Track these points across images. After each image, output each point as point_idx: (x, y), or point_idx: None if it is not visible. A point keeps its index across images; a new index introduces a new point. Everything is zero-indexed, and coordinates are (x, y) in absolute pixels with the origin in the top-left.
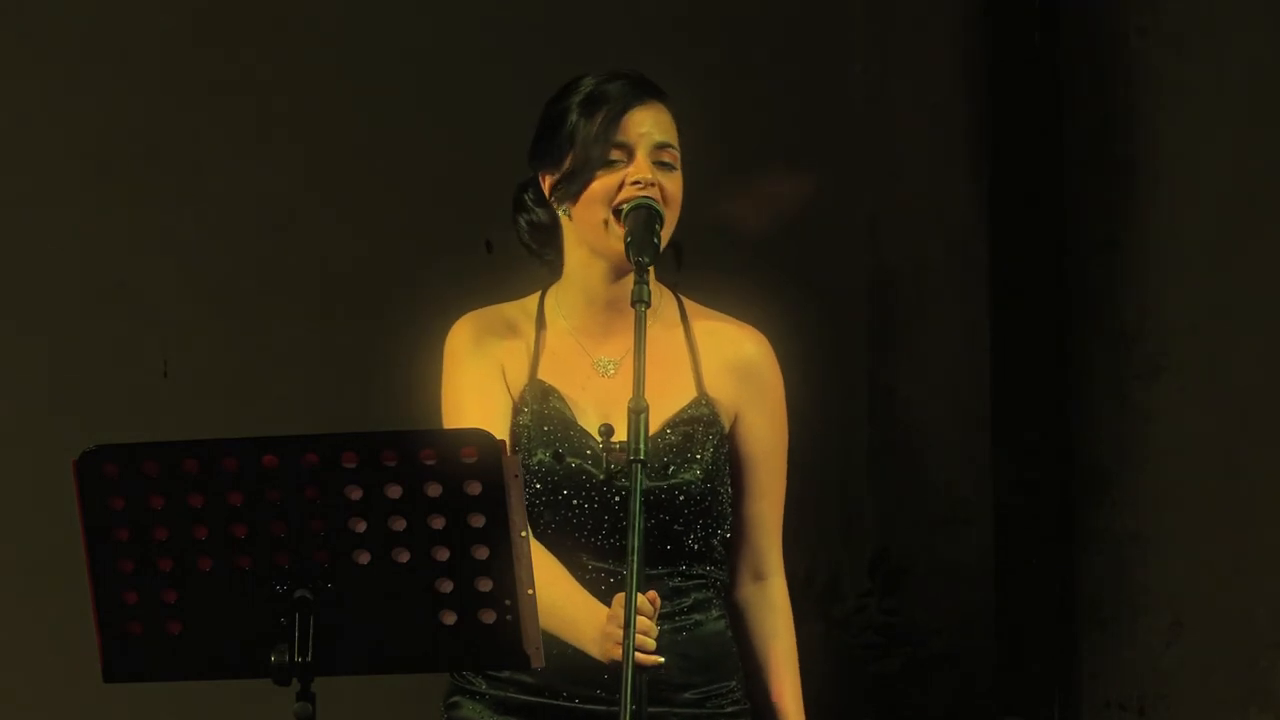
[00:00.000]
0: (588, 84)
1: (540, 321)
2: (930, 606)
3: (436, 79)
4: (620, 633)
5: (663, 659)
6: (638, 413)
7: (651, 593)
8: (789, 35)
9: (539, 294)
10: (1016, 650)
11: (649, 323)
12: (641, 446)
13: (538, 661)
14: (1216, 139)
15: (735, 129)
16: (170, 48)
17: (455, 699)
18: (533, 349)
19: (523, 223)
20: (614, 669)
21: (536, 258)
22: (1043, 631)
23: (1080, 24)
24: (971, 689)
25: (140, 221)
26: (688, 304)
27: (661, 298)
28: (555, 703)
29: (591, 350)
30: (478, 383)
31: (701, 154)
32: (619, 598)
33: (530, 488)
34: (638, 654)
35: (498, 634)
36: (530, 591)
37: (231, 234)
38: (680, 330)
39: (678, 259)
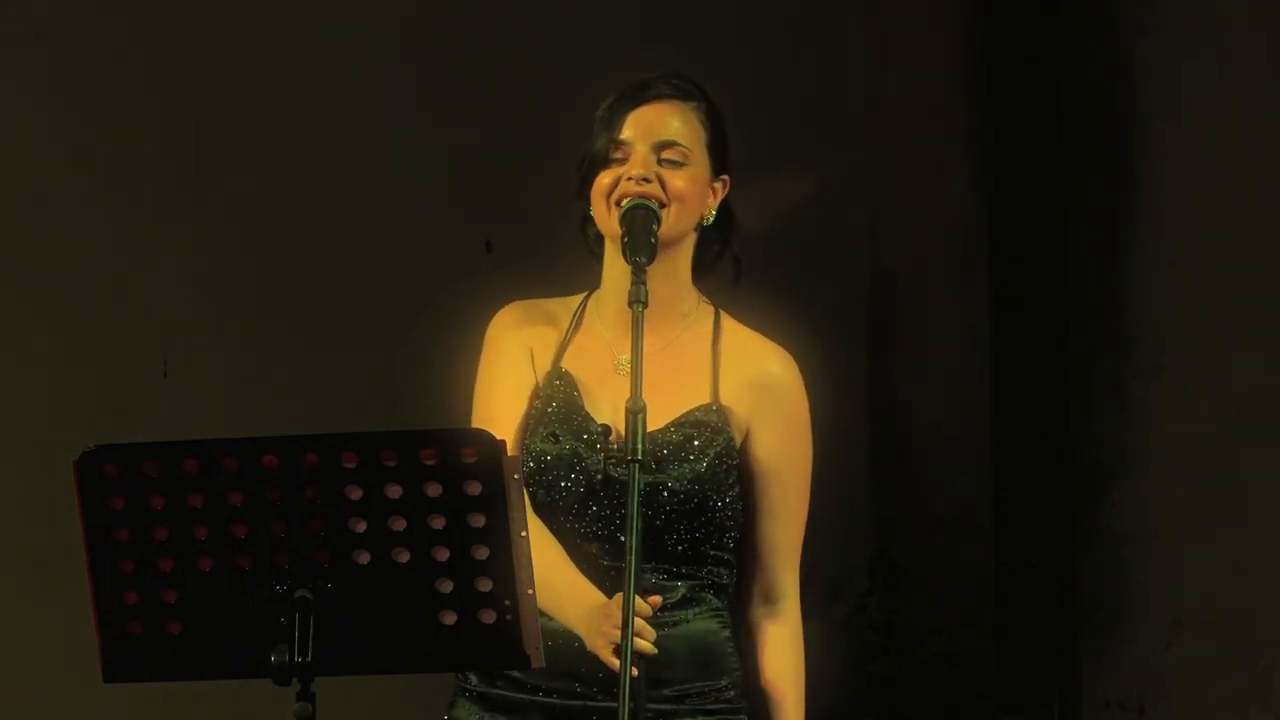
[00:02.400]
0: (628, 87)
1: (578, 319)
2: (930, 606)
3: (438, 79)
4: (616, 634)
5: (656, 650)
6: (635, 413)
7: (654, 597)
8: (788, 35)
9: (584, 295)
10: (1016, 650)
11: (680, 328)
12: (640, 447)
13: (538, 661)
14: (1216, 137)
15: (735, 129)
16: (171, 48)
17: (454, 698)
18: (562, 341)
19: (590, 234)
20: (592, 666)
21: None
22: (1042, 631)
23: (1080, 23)
24: (971, 689)
25: (140, 221)
26: (726, 319)
27: (699, 308)
28: (535, 699)
29: (617, 349)
30: (509, 364)
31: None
32: (618, 598)
33: (525, 466)
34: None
35: (498, 634)
36: (530, 591)
37: (231, 234)
38: (709, 340)
39: (736, 271)
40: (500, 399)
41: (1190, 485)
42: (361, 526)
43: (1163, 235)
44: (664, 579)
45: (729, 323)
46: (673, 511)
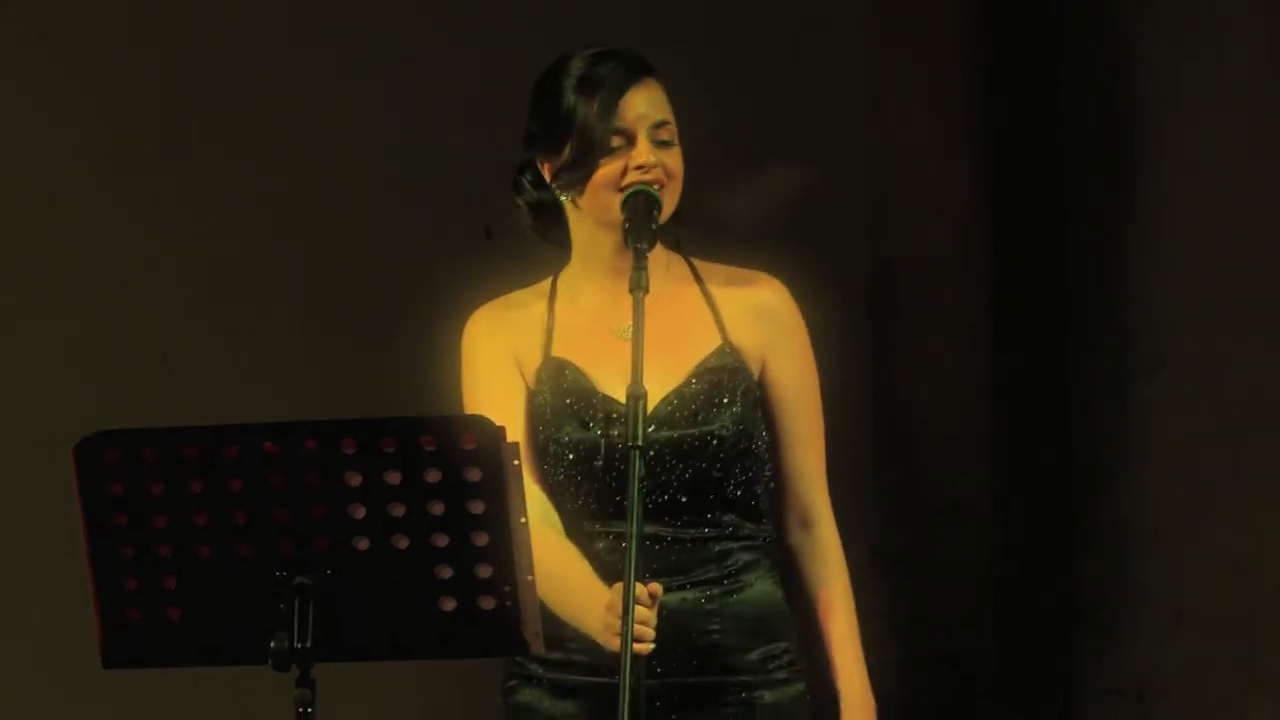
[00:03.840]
0: (578, 65)
1: (553, 301)
2: (930, 603)
3: (435, 70)
4: (619, 623)
5: (654, 646)
6: (636, 398)
7: (654, 585)
8: (789, 32)
9: (551, 278)
10: (1016, 646)
11: (663, 283)
12: (640, 432)
13: (537, 648)
14: (1217, 136)
15: (735, 126)
16: (170, 46)
17: (513, 683)
18: (546, 328)
19: (523, 205)
20: (668, 643)
21: (541, 239)
22: (1043, 627)
23: (1081, 22)
24: (971, 684)
25: (141, 212)
26: (698, 263)
27: (670, 260)
28: (612, 681)
29: (608, 321)
30: (492, 376)
31: (701, 151)
32: (617, 587)
33: (564, 460)
34: (634, 644)
35: (497, 620)
36: (530, 578)
37: (231, 224)
38: (695, 286)
39: (677, 220)
40: (492, 412)
41: (1191, 482)
42: (361, 513)
43: (1163, 233)
44: (728, 544)
45: (703, 265)
46: (725, 457)
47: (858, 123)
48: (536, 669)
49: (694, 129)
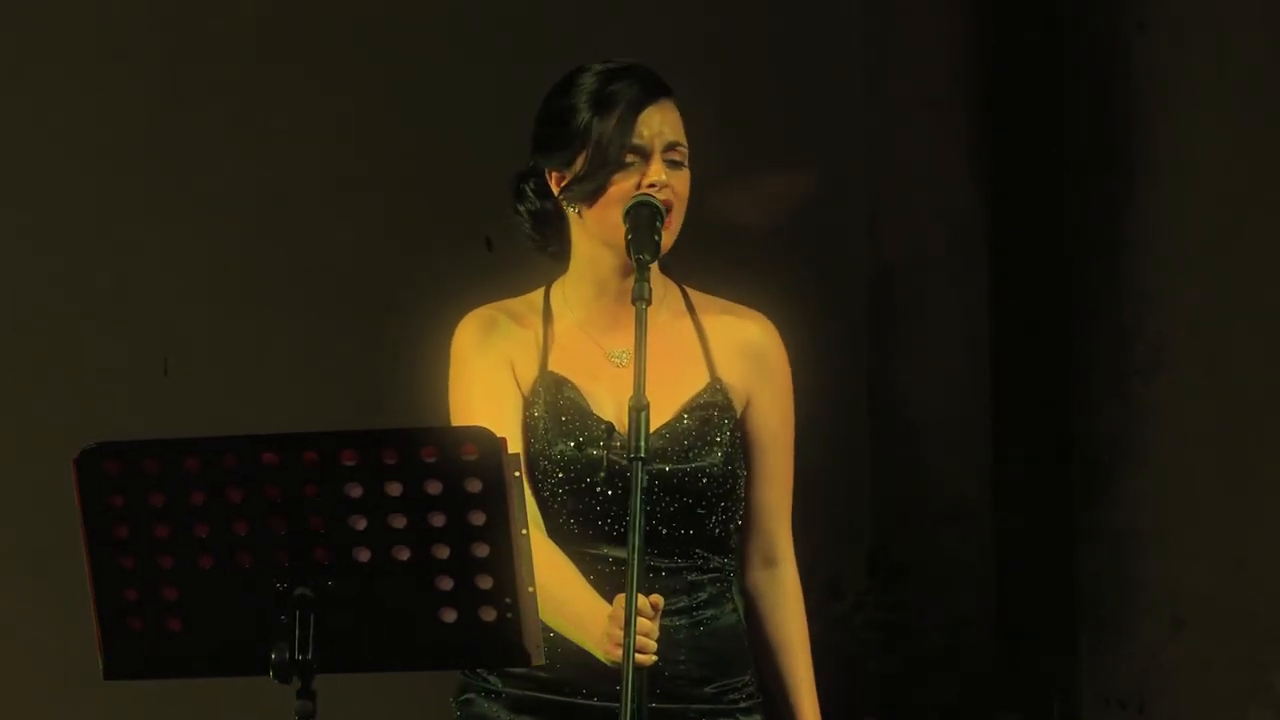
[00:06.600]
0: (594, 80)
1: (547, 315)
2: (930, 603)
3: (436, 77)
4: (620, 633)
5: (656, 658)
6: (638, 410)
7: (655, 596)
8: (790, 32)
9: (544, 288)
10: (1016, 647)
11: (657, 314)
12: (643, 444)
13: (537, 659)
14: (1216, 134)
15: (736, 126)
16: (169, 47)
17: (469, 695)
18: (541, 342)
19: (524, 213)
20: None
21: (539, 249)
22: (1042, 628)
23: (1081, 20)
24: (971, 686)
25: (141, 218)
26: (693, 294)
27: (667, 290)
28: (573, 700)
29: (602, 342)
30: (486, 380)
31: (702, 150)
32: (620, 598)
33: (553, 478)
34: (635, 655)
35: (498, 632)
36: (531, 589)
37: (232, 232)
38: (688, 319)
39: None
40: (484, 417)
41: (1190, 481)
42: (362, 524)
43: (1162, 231)
44: (698, 575)
45: (697, 296)
46: (712, 494)
47: (858, 123)
48: (495, 682)
49: (694, 130)
